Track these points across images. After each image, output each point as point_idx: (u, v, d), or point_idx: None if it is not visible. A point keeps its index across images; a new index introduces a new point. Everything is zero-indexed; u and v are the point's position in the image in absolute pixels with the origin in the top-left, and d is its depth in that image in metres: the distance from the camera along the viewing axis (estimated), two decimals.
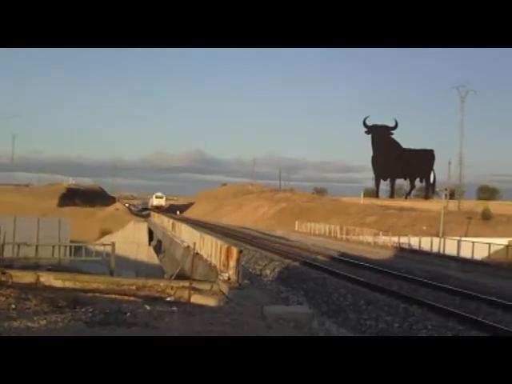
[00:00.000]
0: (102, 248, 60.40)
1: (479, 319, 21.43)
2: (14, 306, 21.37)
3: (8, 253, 48.68)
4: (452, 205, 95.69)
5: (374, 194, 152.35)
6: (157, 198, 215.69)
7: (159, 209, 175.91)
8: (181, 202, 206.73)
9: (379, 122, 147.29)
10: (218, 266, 34.77)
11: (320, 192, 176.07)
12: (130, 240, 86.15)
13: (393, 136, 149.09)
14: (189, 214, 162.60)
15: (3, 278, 29.70)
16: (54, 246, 54.86)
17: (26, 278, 30.79)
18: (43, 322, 18.91)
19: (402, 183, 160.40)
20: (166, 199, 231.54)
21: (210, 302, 26.30)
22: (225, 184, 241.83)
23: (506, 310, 24.55)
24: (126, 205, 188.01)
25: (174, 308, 23.07)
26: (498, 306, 25.67)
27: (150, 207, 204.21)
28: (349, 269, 38.47)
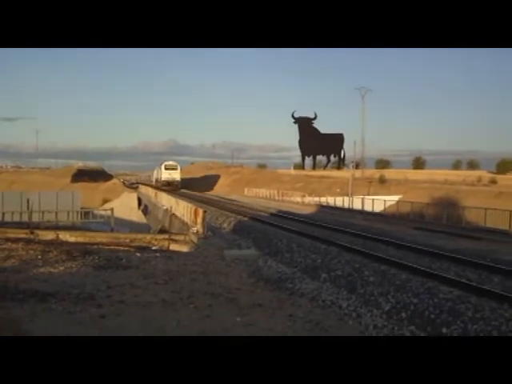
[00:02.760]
0: (104, 212, 60.86)
1: (378, 254, 21.57)
2: (40, 256, 21.28)
3: (35, 218, 48.68)
4: (357, 173, 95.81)
5: (301, 166, 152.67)
6: (167, 169, 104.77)
7: (171, 187, 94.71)
8: None
9: (303, 115, 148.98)
10: (188, 223, 34.76)
11: (262, 166, 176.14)
12: (125, 206, 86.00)
13: (313, 124, 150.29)
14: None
15: (32, 236, 29.57)
16: (68, 212, 54.73)
17: (49, 235, 30.66)
18: (62, 268, 18.90)
19: (321, 158, 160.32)
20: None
21: (184, 248, 26.37)
22: (193, 163, 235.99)
23: (397, 248, 24.78)
24: (121, 180, 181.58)
25: (158, 254, 23.14)
26: (390, 244, 25.91)
27: (154, 184, 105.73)
28: (284, 221, 38.47)
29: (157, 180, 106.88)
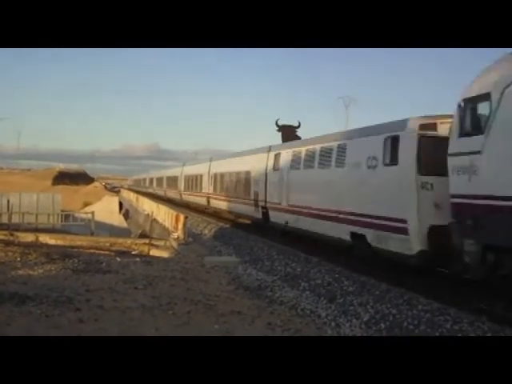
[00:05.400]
0: (84, 215, 61.00)
1: (358, 265, 21.52)
2: (19, 258, 21.17)
3: (15, 219, 48.65)
4: None
5: None
6: None
7: None
8: None
9: (287, 123, 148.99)
10: (169, 228, 34.70)
11: None
12: (106, 209, 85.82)
13: (297, 133, 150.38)
14: None
15: (11, 238, 29.45)
16: (49, 214, 54.79)
17: (29, 238, 30.55)
18: (41, 271, 18.75)
19: None
20: None
21: (164, 254, 26.35)
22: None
23: (376, 259, 24.67)
24: (103, 183, 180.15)
25: (138, 259, 23.05)
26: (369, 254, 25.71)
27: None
28: (265, 228, 38.40)
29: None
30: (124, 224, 74.79)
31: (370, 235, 19.95)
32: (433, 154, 16.80)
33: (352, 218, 21.11)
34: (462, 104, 14.78)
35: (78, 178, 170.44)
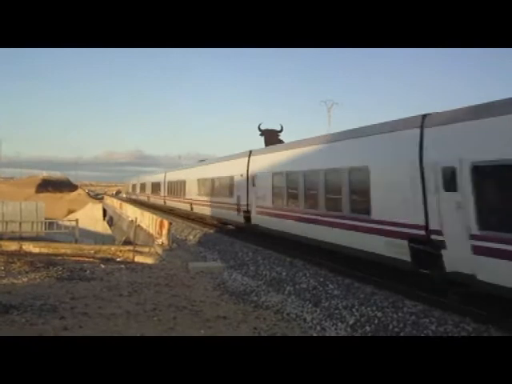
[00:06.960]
0: (68, 223, 60.61)
1: (342, 268, 21.57)
2: (2, 267, 21.07)
3: None
4: None
5: None
6: None
7: None
8: None
9: (270, 127, 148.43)
10: (154, 234, 34.60)
11: None
12: (89, 216, 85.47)
13: (279, 137, 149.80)
14: None
15: None
16: (33, 222, 54.47)
17: (12, 246, 30.41)
18: (25, 279, 18.66)
19: None
20: None
21: (149, 260, 26.28)
22: None
23: (361, 262, 24.72)
24: (86, 191, 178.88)
25: (122, 266, 22.97)
26: (354, 257, 25.79)
27: None
28: (249, 235, 38.41)
29: None
30: (108, 231, 74.50)
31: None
32: None
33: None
34: None
35: (62, 186, 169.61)
